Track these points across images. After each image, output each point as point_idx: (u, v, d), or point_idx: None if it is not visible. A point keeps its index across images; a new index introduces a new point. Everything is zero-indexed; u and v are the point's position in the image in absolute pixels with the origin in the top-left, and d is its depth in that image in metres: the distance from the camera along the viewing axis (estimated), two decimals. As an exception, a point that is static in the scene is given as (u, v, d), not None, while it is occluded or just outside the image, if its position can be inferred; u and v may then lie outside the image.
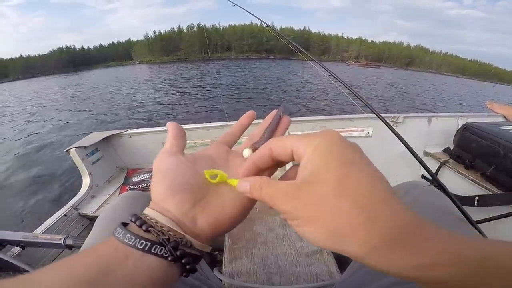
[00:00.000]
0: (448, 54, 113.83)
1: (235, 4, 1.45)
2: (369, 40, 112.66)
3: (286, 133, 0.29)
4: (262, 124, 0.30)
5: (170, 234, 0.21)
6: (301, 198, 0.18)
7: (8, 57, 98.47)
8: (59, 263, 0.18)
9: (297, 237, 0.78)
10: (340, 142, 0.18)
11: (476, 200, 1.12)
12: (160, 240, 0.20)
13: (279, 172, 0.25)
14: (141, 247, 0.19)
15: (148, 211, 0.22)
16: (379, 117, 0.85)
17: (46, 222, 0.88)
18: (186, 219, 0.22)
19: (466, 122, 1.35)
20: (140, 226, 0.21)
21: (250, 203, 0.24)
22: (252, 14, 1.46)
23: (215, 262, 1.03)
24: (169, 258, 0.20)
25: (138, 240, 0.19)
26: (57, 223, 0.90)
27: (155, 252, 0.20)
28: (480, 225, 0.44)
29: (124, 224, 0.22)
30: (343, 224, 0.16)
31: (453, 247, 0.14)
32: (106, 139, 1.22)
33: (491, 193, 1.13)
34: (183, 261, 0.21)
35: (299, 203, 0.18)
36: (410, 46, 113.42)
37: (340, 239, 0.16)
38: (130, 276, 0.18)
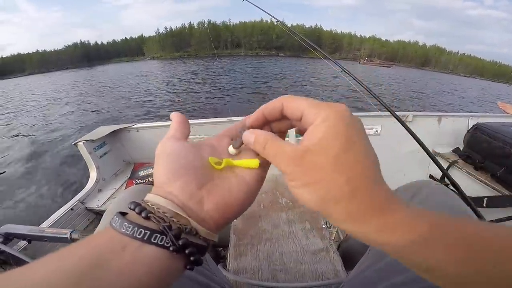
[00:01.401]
0: (465, 54, 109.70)
1: None
2: (383, 39, 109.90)
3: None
4: None
5: (172, 220, 0.19)
6: (303, 165, 0.19)
7: (25, 52, 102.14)
8: (51, 256, 0.17)
9: (303, 234, 0.77)
10: (347, 119, 0.20)
11: (485, 201, 1.12)
12: (160, 228, 0.18)
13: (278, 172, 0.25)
14: (140, 236, 0.18)
15: (149, 197, 0.21)
16: (392, 114, 0.83)
17: (52, 216, 0.89)
18: (192, 202, 0.21)
19: (477, 122, 1.33)
20: (140, 213, 0.19)
21: (256, 184, 0.24)
22: (263, 10, 1.44)
23: (219, 258, 1.03)
24: (171, 248, 0.18)
25: (136, 228, 0.18)
26: (64, 217, 0.90)
27: (155, 241, 0.18)
28: None
29: (124, 214, 0.20)
30: (332, 193, 0.18)
31: (408, 217, 0.17)
32: (113, 133, 1.22)
33: (501, 194, 1.12)
34: (186, 251, 0.19)
35: (300, 169, 0.19)
36: (426, 46, 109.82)
37: (326, 205, 0.19)
38: (126, 269, 0.17)
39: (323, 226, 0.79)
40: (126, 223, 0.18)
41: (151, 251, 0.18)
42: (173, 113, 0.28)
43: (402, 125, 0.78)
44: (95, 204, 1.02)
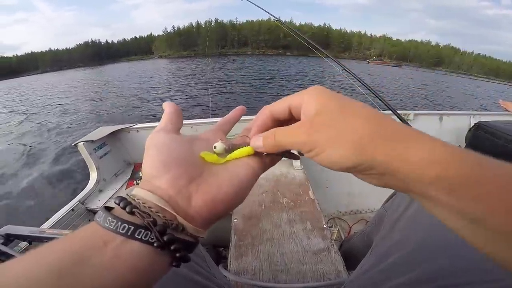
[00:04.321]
0: (480, 54, 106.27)
1: None
2: (395, 39, 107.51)
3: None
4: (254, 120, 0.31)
5: (158, 215, 0.19)
6: (315, 125, 0.19)
7: (39, 51, 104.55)
8: (33, 252, 0.16)
9: (304, 234, 0.76)
10: (328, 90, 0.21)
11: None
12: (145, 223, 0.18)
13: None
14: (123, 231, 0.17)
15: (136, 191, 0.20)
16: (394, 112, 0.83)
17: (53, 216, 0.89)
18: (180, 197, 0.20)
19: (479, 121, 1.32)
20: (124, 208, 0.18)
21: (249, 180, 0.23)
22: (261, 8, 1.44)
23: (220, 258, 1.04)
24: (155, 244, 0.18)
25: (120, 223, 0.17)
26: (64, 218, 0.91)
27: (139, 237, 0.17)
28: None
29: (110, 209, 0.19)
30: (362, 135, 0.17)
31: (454, 150, 0.16)
32: (113, 133, 1.23)
33: None
34: (172, 248, 0.18)
35: (315, 129, 0.19)
36: (439, 46, 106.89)
37: (362, 149, 0.17)
38: (108, 265, 0.16)
39: (324, 226, 0.78)
40: (110, 218, 0.18)
41: (135, 247, 0.17)
42: (166, 102, 0.27)
43: (403, 123, 0.78)
44: (95, 204, 1.02)
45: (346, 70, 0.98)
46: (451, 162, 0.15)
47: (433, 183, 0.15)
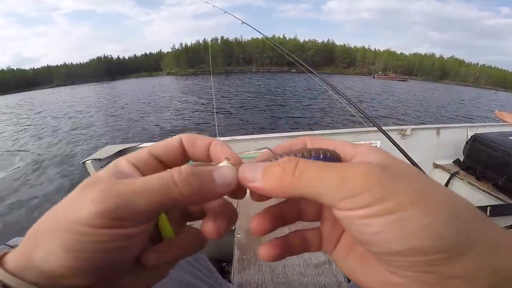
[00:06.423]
0: (485, 65, 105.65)
1: (243, 22, 1.57)
2: (398, 52, 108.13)
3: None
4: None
5: None
6: (394, 170, 0.14)
7: (54, 64, 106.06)
8: None
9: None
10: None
11: (488, 211, 1.13)
12: None
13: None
14: None
15: (13, 283, 0.15)
16: (382, 133, 0.86)
17: None
18: None
19: (475, 133, 1.35)
20: None
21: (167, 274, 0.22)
22: (257, 30, 1.56)
23: (223, 273, 1.04)
24: None
25: None
26: None
27: None
28: None
29: None
30: (461, 206, 0.14)
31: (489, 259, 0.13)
32: (120, 152, 1.25)
33: (504, 203, 1.13)
34: None
35: (393, 173, 0.14)
36: (444, 58, 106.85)
37: (462, 223, 0.13)
38: None
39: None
40: None
41: None
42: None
43: (393, 143, 0.81)
44: None
45: (338, 93, 1.04)
46: None
47: None
